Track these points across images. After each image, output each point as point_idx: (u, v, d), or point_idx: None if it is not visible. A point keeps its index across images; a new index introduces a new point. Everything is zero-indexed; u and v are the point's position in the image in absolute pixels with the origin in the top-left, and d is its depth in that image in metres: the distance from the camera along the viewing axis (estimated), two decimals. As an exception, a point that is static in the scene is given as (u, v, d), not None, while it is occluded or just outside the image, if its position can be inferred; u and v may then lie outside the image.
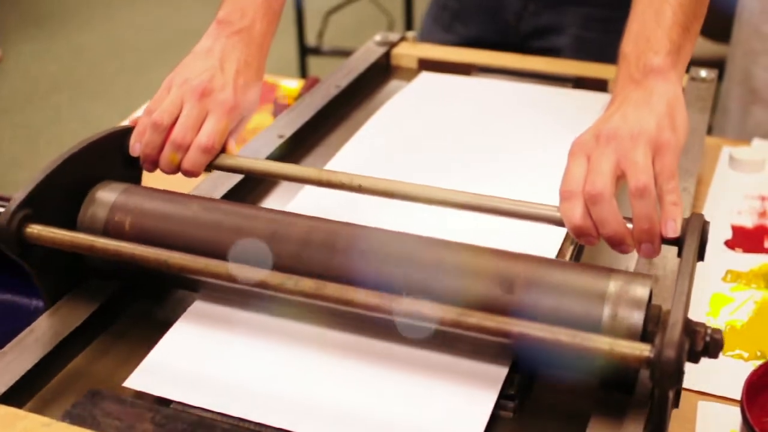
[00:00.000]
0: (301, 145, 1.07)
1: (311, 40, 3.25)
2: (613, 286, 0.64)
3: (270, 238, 0.71)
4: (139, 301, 0.80)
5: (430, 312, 0.63)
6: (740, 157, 1.10)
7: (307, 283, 0.65)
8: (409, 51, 1.30)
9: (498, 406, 0.67)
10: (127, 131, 0.82)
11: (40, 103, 3.24)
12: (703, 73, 1.13)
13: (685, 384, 0.75)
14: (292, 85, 1.38)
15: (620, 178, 0.68)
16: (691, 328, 0.61)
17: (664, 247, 0.69)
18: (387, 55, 1.29)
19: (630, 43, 0.77)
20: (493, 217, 0.74)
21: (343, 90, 1.16)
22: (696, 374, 0.77)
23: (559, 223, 0.69)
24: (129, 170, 0.83)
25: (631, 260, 0.83)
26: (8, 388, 0.67)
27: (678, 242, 0.66)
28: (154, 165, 0.82)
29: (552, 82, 1.18)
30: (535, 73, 1.21)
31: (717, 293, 0.88)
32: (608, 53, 1.10)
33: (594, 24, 1.28)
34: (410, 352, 0.70)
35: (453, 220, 0.79)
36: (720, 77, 1.21)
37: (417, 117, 1.11)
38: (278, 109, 1.25)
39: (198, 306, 0.76)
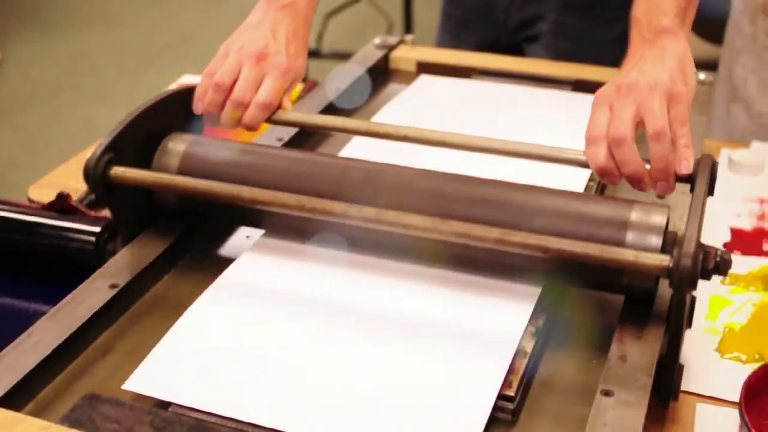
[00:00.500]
0: (300, 148, 1.07)
1: (310, 42, 3.24)
2: (635, 214, 0.73)
3: (333, 177, 0.81)
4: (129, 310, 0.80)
5: (479, 232, 0.72)
6: (739, 160, 1.10)
7: (369, 211, 0.75)
8: (408, 54, 1.31)
9: (496, 408, 0.67)
10: (190, 91, 0.90)
11: (40, 105, 3.24)
12: (702, 75, 1.13)
13: (684, 387, 0.76)
14: (291, 88, 1.38)
15: (639, 124, 0.76)
16: (703, 249, 0.68)
17: None
18: (386, 58, 1.29)
19: (641, 9, 0.87)
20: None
21: (342, 93, 1.16)
22: (695, 377, 0.78)
23: (585, 165, 0.78)
24: (192, 126, 0.91)
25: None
26: (7, 391, 0.67)
27: (690, 179, 0.75)
28: (215, 122, 0.90)
29: (551, 85, 1.19)
30: (534, 76, 1.21)
31: (716, 296, 0.88)
32: (584, 37, 1.27)
33: (571, 10, 1.38)
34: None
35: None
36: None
37: (416, 119, 1.11)
38: (277, 112, 1.25)
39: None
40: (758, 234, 0.98)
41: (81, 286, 0.78)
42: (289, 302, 0.78)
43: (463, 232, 0.73)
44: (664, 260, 0.67)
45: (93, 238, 0.88)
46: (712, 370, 0.79)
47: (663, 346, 0.71)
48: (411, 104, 1.15)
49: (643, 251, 0.69)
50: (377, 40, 1.31)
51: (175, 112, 0.89)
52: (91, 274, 0.80)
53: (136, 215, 0.86)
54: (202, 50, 3.57)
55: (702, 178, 0.73)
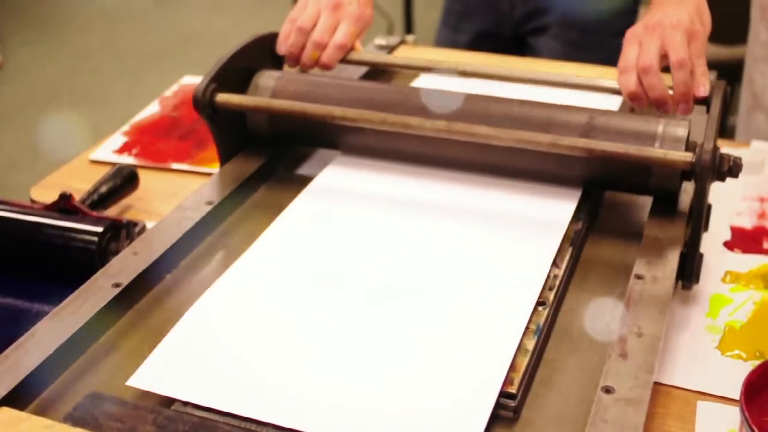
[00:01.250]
0: (302, 149, 1.07)
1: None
2: (662, 126, 0.87)
3: (405, 100, 0.95)
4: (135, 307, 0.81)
5: (535, 138, 0.86)
6: (739, 159, 1.10)
7: (440, 123, 0.89)
8: (409, 54, 1.31)
9: (498, 405, 0.67)
10: (274, 36, 1.05)
11: (41, 107, 3.24)
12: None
13: (685, 384, 0.76)
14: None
15: (663, 57, 0.89)
16: (719, 154, 0.81)
17: (659, 266, 0.80)
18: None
19: None
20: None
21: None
22: (696, 375, 0.78)
23: (617, 92, 0.94)
24: (275, 65, 1.06)
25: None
26: (10, 390, 0.67)
27: (706, 101, 0.89)
28: (296, 61, 1.05)
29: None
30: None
31: (716, 294, 0.89)
32: (591, 28, 1.38)
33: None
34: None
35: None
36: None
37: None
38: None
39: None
40: (758, 232, 0.98)
41: (84, 286, 0.78)
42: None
43: (522, 138, 0.86)
44: (688, 156, 0.81)
45: (95, 238, 0.88)
46: (712, 367, 0.79)
47: (686, 238, 0.84)
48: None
49: (671, 150, 0.83)
50: (378, 41, 1.32)
51: (261, 53, 1.04)
52: (94, 274, 0.80)
53: (232, 139, 1.00)
54: (202, 52, 3.58)
55: (716, 100, 0.89)
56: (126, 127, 1.28)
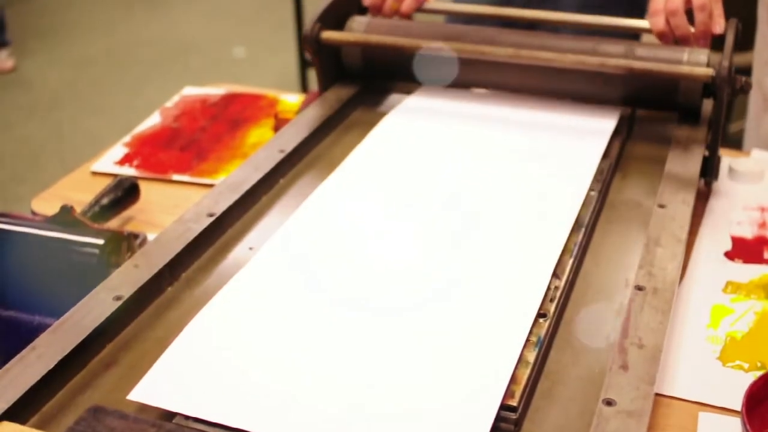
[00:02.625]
0: (302, 158, 1.07)
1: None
2: (686, 54, 1.07)
3: (478, 34, 1.14)
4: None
5: (588, 60, 1.06)
6: (739, 168, 1.10)
7: (509, 50, 1.08)
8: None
9: (499, 418, 0.67)
10: None
11: (43, 118, 3.25)
12: None
13: (686, 395, 0.76)
14: (292, 99, 1.38)
15: (687, 2, 1.08)
16: (734, 76, 1.00)
17: (660, 266, 0.81)
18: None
19: None
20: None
21: (344, 103, 1.17)
22: (697, 386, 0.78)
23: (648, 31, 1.12)
24: (361, 14, 1.24)
25: (630, 272, 0.84)
26: (11, 405, 0.67)
27: (722, 37, 1.05)
28: (378, 11, 1.23)
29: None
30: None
31: (717, 304, 0.89)
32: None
33: None
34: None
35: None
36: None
37: (419, 124, 1.12)
38: (279, 123, 1.26)
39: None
40: (759, 242, 0.98)
41: (85, 299, 0.78)
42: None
43: (577, 60, 1.06)
44: (710, 71, 1.01)
45: (96, 251, 0.88)
46: (714, 378, 0.79)
47: (707, 143, 1.04)
48: (414, 111, 1.15)
49: (695, 66, 1.04)
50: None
51: (350, 4, 1.23)
52: (95, 287, 0.80)
53: (331, 72, 1.21)
54: (203, 62, 3.59)
55: (730, 35, 1.04)
56: (127, 138, 1.28)
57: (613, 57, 1.07)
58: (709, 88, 1.06)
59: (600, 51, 1.09)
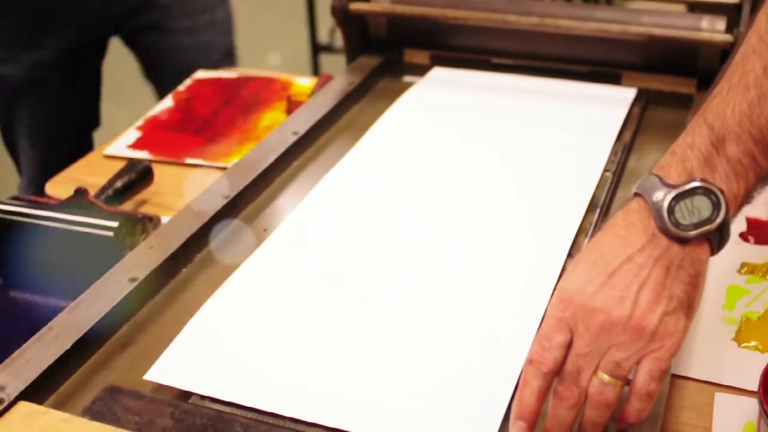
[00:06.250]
0: (314, 142, 1.07)
1: (323, 37, 3.26)
2: (705, 21, 1.12)
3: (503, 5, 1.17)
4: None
5: (607, 27, 1.10)
6: (755, 149, 1.10)
7: (534, 18, 1.12)
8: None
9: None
10: None
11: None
12: None
13: (702, 376, 0.76)
14: (305, 82, 1.38)
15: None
16: None
17: None
18: (400, 52, 1.29)
19: None
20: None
21: (356, 86, 1.17)
22: (712, 367, 0.78)
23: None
24: None
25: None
26: (28, 385, 0.67)
27: (738, 6, 1.09)
28: None
29: (568, 76, 1.19)
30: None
31: (733, 285, 0.88)
32: None
33: None
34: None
35: None
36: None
37: (429, 112, 1.11)
38: (292, 106, 1.26)
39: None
40: (775, 223, 0.98)
41: (100, 280, 0.78)
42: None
43: (599, 28, 1.10)
44: (729, 38, 1.06)
45: (111, 233, 0.88)
46: (729, 359, 0.79)
47: None
48: (425, 97, 1.15)
49: (714, 33, 1.09)
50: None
51: None
52: (110, 269, 0.80)
53: (357, 43, 1.26)
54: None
55: (747, 3, 1.06)
56: (140, 122, 1.28)
57: (633, 24, 1.11)
58: (727, 54, 1.07)
59: (620, 19, 1.12)
